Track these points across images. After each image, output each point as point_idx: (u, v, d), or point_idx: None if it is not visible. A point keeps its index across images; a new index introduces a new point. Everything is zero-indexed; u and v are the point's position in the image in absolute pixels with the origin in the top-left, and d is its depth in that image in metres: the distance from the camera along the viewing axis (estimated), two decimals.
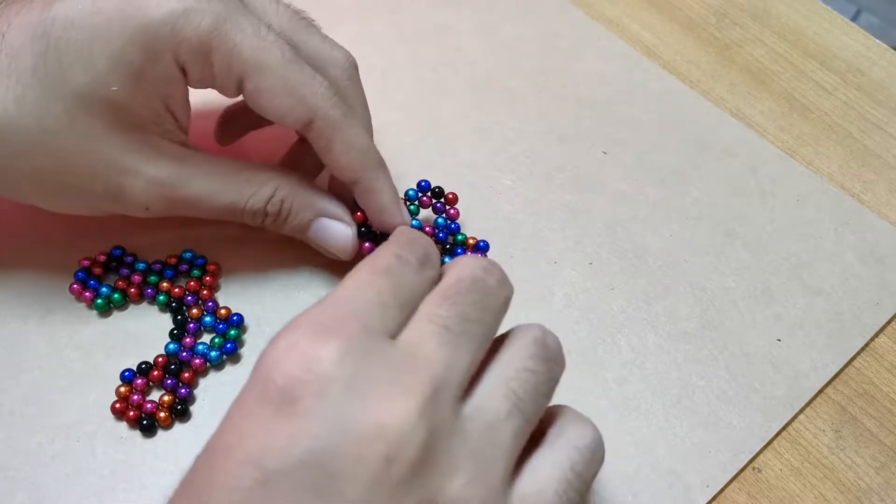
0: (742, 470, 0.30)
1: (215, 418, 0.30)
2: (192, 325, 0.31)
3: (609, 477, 0.29)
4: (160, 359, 0.30)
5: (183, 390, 0.30)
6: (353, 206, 0.32)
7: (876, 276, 0.35)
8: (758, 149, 0.40)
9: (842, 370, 0.33)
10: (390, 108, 0.40)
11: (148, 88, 0.28)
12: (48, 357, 0.31)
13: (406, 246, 0.24)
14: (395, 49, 0.43)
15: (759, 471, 0.30)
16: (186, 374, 0.30)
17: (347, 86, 0.31)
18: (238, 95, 0.29)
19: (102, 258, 0.32)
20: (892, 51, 0.45)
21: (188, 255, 0.33)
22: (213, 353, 0.30)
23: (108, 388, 0.30)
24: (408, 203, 0.34)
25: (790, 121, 0.41)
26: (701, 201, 0.38)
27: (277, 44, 0.28)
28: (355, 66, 0.32)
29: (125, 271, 0.32)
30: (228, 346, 0.31)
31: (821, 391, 0.32)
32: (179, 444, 0.29)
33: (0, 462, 0.28)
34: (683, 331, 0.33)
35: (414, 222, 0.34)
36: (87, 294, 0.32)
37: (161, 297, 0.32)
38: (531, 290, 0.34)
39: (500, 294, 0.24)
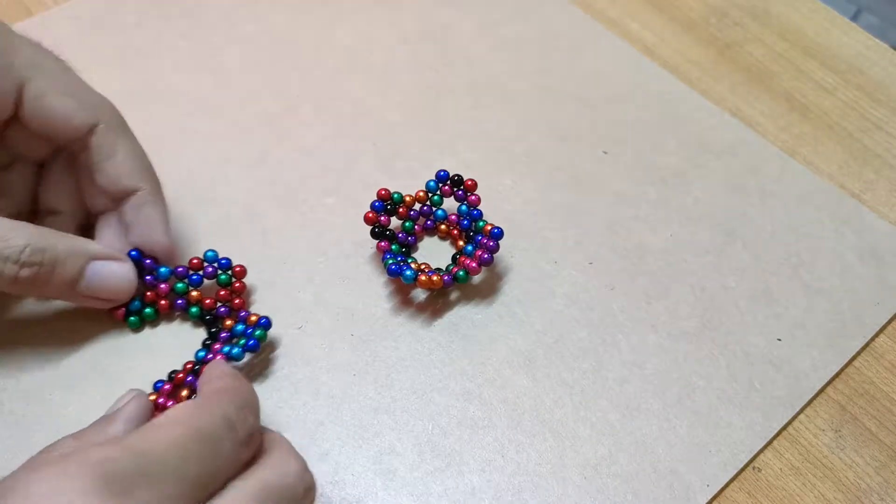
0: (742, 469, 0.30)
1: None
2: (224, 334, 0.31)
3: (609, 477, 0.29)
4: (188, 364, 0.30)
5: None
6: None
7: (876, 276, 0.35)
8: (758, 149, 0.40)
9: (842, 370, 0.33)
10: (390, 108, 0.40)
11: None
12: (48, 357, 0.31)
13: (239, 411, 0.22)
14: (396, 49, 0.43)
15: (760, 470, 0.30)
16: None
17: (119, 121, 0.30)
18: (12, 111, 0.28)
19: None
20: (892, 51, 0.45)
21: (211, 254, 0.32)
22: (236, 350, 0.30)
23: (109, 388, 0.30)
24: (429, 194, 0.34)
25: (790, 121, 0.41)
26: (701, 201, 0.38)
27: (52, 55, 0.29)
28: (120, 115, 0.31)
29: (150, 278, 0.31)
30: (251, 342, 0.30)
31: (821, 391, 0.32)
32: None
33: (0, 462, 0.28)
34: (684, 330, 0.33)
35: (439, 212, 0.34)
36: (120, 311, 0.31)
37: (193, 310, 0.31)
38: (532, 290, 0.34)
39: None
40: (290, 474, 0.22)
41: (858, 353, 0.33)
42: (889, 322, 0.34)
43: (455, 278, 0.32)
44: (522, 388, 0.31)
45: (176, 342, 0.31)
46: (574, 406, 0.31)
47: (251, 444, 0.22)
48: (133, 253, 0.31)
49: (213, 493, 0.20)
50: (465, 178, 0.34)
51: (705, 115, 0.41)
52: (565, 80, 0.42)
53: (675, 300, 0.34)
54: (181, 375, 0.29)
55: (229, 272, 0.32)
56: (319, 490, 0.28)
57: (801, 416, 0.31)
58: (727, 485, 0.29)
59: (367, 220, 0.33)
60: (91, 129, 0.28)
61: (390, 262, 0.32)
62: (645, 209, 0.37)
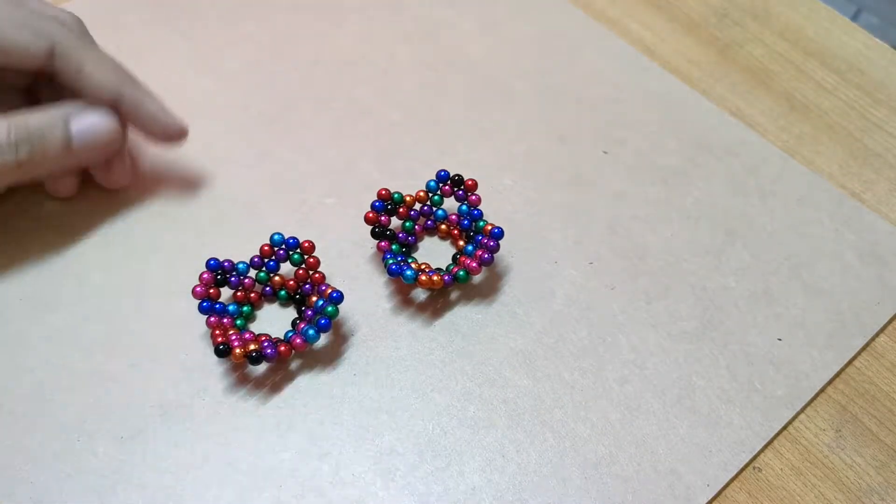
0: (742, 469, 0.30)
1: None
2: (309, 312, 0.31)
3: (609, 477, 0.29)
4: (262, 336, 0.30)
5: (269, 351, 0.29)
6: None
7: (876, 276, 0.35)
8: (758, 149, 0.40)
9: (842, 370, 0.33)
10: (390, 108, 0.40)
11: None
12: (48, 357, 0.31)
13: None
14: (396, 48, 0.43)
15: (760, 470, 0.30)
16: (283, 348, 0.29)
17: (79, 37, 0.31)
18: None
19: (206, 277, 0.31)
20: (892, 50, 0.45)
21: (277, 237, 0.32)
22: (311, 332, 0.30)
23: (109, 388, 0.30)
24: (429, 194, 0.34)
25: (790, 120, 0.41)
26: (701, 201, 0.38)
27: None
28: (83, 24, 0.33)
29: (234, 280, 0.31)
30: (322, 322, 0.30)
31: (821, 391, 0.32)
32: (179, 445, 0.29)
33: (0, 462, 0.28)
34: (684, 330, 0.33)
35: (439, 212, 0.34)
36: (227, 320, 0.30)
37: (282, 293, 0.32)
38: (532, 290, 0.34)
39: None
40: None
41: (858, 353, 0.33)
42: (889, 322, 0.34)
43: (455, 278, 0.32)
44: (522, 388, 0.31)
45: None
46: (574, 406, 0.31)
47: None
48: (212, 263, 0.31)
49: None
50: (465, 178, 0.34)
51: (705, 115, 0.41)
52: (565, 80, 0.42)
53: (675, 300, 0.34)
54: (254, 347, 0.29)
55: (298, 250, 0.32)
56: (320, 490, 0.28)
57: (802, 416, 0.31)
58: (727, 485, 0.29)
59: (367, 220, 0.33)
60: (50, 53, 0.29)
61: (390, 262, 0.32)
62: (645, 209, 0.37)
